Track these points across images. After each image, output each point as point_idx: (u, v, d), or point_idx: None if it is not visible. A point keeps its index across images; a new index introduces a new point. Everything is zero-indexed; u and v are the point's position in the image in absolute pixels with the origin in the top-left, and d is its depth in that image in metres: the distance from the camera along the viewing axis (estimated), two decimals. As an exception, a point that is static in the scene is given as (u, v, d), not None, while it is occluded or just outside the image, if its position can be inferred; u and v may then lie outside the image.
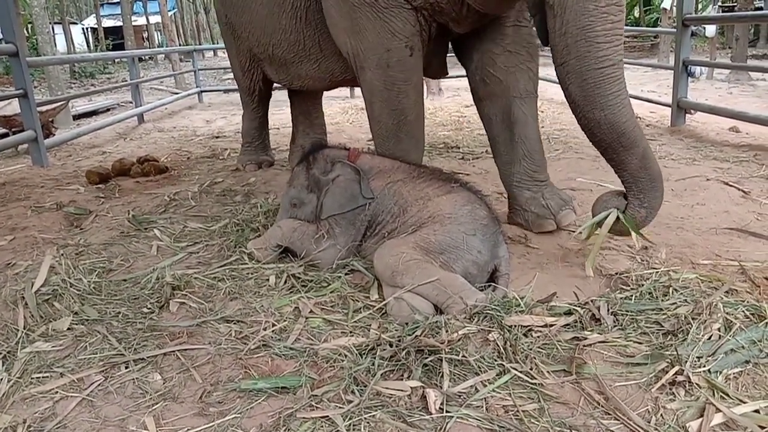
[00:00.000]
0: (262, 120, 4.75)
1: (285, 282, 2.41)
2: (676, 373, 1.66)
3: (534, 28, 2.84)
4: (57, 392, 1.75)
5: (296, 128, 4.82)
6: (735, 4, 14.66)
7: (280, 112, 9.02)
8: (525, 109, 2.93)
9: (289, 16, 3.12)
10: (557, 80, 2.28)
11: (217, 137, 6.80)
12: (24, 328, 2.10)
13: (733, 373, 1.68)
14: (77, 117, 9.14)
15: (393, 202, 2.49)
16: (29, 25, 17.46)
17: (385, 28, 2.66)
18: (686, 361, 1.70)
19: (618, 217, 2.37)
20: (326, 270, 2.48)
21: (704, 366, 1.69)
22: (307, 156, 2.78)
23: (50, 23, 14.73)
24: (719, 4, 15.33)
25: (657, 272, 2.32)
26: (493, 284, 2.24)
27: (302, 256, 2.56)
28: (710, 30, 12.18)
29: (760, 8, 14.53)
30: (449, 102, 8.83)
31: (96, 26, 30.02)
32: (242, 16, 3.45)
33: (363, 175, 2.56)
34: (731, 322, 1.89)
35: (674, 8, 11.01)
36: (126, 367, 1.86)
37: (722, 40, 16.69)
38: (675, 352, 1.73)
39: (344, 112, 8.19)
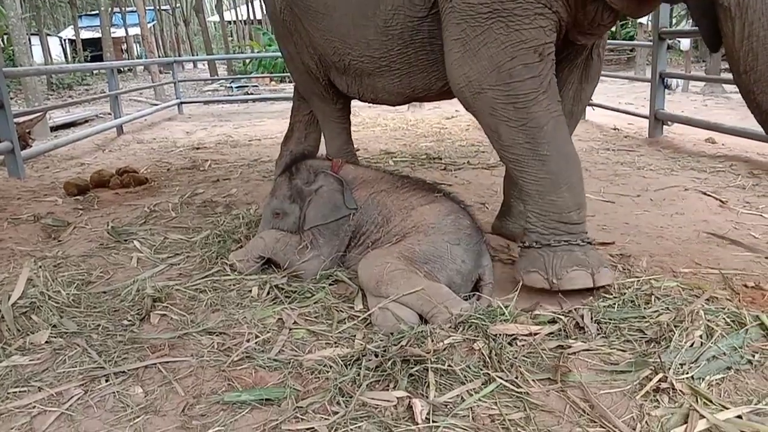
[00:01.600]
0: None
1: (268, 293, 2.39)
2: (659, 380, 1.67)
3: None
4: (35, 407, 1.70)
5: (291, 134, 4.34)
6: (708, 18, 14.94)
7: (261, 123, 9.01)
8: None
9: (379, 32, 2.74)
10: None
11: (197, 148, 6.76)
12: (0, 342, 2.05)
13: (716, 380, 1.70)
14: (55, 128, 9.03)
15: (377, 212, 2.49)
16: (5, 36, 17.25)
17: (513, 38, 2.24)
18: (669, 368, 1.71)
19: None
20: (310, 281, 2.46)
21: (687, 373, 1.71)
22: (289, 166, 2.77)
23: (27, 34, 14.56)
24: (693, 18, 15.64)
25: (639, 280, 2.34)
26: (478, 293, 2.25)
27: (285, 267, 2.54)
28: (685, 43, 12.43)
29: (733, 23, 14.80)
30: (430, 114, 8.88)
31: (74, 38, 29.77)
32: (320, 22, 3.06)
33: (346, 186, 2.56)
34: (712, 329, 1.91)
35: (650, 23, 11.21)
36: (106, 381, 1.82)
37: (696, 53, 17.04)
38: (658, 360, 1.75)
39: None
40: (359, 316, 2.16)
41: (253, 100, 12.49)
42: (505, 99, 2.30)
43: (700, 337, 1.87)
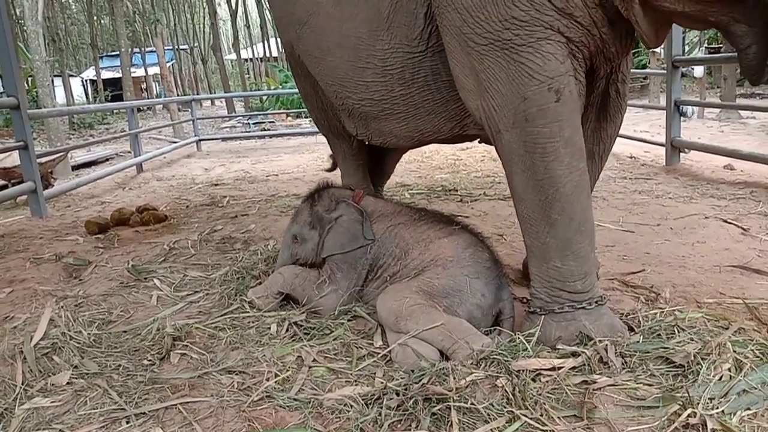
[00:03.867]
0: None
1: (287, 330, 2.38)
2: (688, 416, 1.62)
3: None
4: (56, 450, 1.70)
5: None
6: (721, 45, 15.02)
7: (278, 159, 9.11)
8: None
9: (377, 74, 2.62)
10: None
11: (216, 185, 6.84)
12: (22, 384, 2.06)
13: (747, 415, 1.64)
14: (76, 167, 9.21)
15: (394, 244, 2.49)
16: (30, 79, 17.75)
17: (520, 71, 2.01)
18: (698, 403, 1.66)
19: None
20: (328, 317, 2.45)
21: (717, 408, 1.66)
22: (312, 193, 2.80)
23: (50, 76, 14.98)
24: (705, 45, 15.70)
25: (662, 312, 2.30)
26: (499, 328, 2.22)
27: (304, 303, 2.54)
28: (698, 71, 12.43)
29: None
30: (444, 145, 8.91)
31: (95, 78, 30.52)
32: (317, 66, 2.98)
33: (366, 217, 2.57)
34: (741, 362, 1.86)
35: (663, 51, 11.24)
36: (127, 422, 1.81)
37: (710, 80, 17.04)
38: (687, 394, 1.70)
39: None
40: (379, 353, 2.14)
41: (270, 136, 12.66)
42: (521, 147, 2.07)
43: (729, 370, 1.82)
